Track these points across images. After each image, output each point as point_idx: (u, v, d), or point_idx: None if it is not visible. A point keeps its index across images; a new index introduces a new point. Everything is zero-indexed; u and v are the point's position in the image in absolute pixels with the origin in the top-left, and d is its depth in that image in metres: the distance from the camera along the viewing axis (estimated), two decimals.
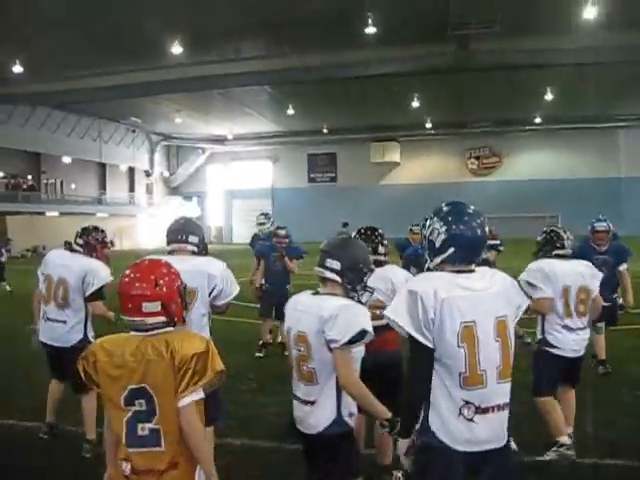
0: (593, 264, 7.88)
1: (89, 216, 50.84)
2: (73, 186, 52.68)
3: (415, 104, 44.83)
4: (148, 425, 3.06)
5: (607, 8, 24.68)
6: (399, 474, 5.20)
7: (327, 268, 3.89)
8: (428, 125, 54.34)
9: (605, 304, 8.25)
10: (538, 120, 52.21)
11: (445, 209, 3.41)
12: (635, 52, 29.43)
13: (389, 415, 3.61)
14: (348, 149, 61.81)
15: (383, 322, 3.56)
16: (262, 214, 12.13)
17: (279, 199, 64.99)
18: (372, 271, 4.07)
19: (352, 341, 3.61)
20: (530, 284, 5.73)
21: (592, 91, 41.37)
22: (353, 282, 3.91)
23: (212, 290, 4.93)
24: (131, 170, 60.97)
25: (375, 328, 3.78)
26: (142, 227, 55.89)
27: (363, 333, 3.63)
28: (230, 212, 66.74)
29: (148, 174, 63.11)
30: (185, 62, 31.99)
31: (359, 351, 3.84)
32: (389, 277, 5.09)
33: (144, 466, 3.05)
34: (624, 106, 48.69)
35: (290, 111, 47.38)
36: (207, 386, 3.11)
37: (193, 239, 5.11)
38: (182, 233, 5.12)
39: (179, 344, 3.08)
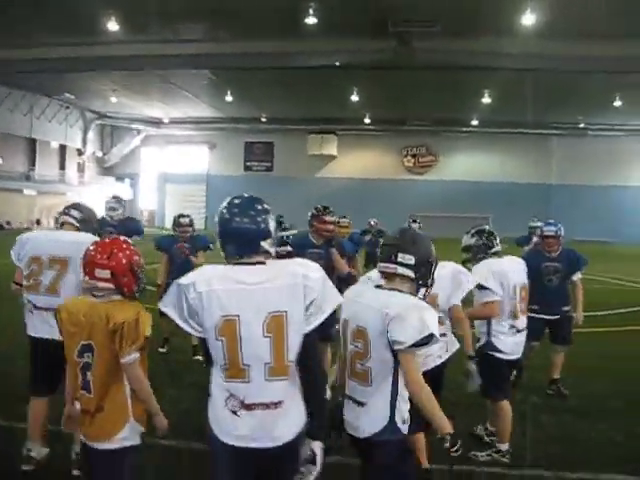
0: (542, 271, 7.56)
1: (16, 192, 49.47)
2: (0, 161, 51.03)
3: (354, 98, 44.87)
4: (89, 374, 3.68)
5: (546, 16, 25.12)
6: None
7: (399, 263, 3.70)
8: (367, 120, 54.59)
9: (551, 317, 7.77)
10: (475, 122, 53.08)
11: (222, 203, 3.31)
12: (571, 62, 30.04)
13: (450, 429, 3.34)
14: (285, 139, 61.56)
15: None
16: (114, 197, 10.22)
17: (213, 186, 64.31)
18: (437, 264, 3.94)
19: (418, 344, 3.41)
20: (482, 287, 5.45)
21: (529, 97, 41.98)
22: (424, 277, 3.78)
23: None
24: (62, 148, 59.31)
25: None
26: None
27: (430, 337, 3.43)
28: (163, 196, 65.78)
29: (80, 152, 61.62)
30: (122, 40, 31.20)
31: (421, 355, 3.87)
32: None
33: (84, 407, 3.72)
34: (559, 114, 49.76)
35: (229, 97, 46.87)
36: (140, 349, 3.68)
37: (74, 214, 5.32)
38: (68, 208, 5.41)
39: (113, 311, 3.67)
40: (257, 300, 3.03)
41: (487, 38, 28.46)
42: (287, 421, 3.07)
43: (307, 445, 3.07)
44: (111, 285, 3.76)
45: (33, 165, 55.04)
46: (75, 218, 5.31)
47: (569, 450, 5.94)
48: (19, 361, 6.69)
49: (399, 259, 3.71)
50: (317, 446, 3.08)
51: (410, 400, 3.52)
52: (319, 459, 3.08)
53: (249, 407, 3.02)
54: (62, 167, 59.41)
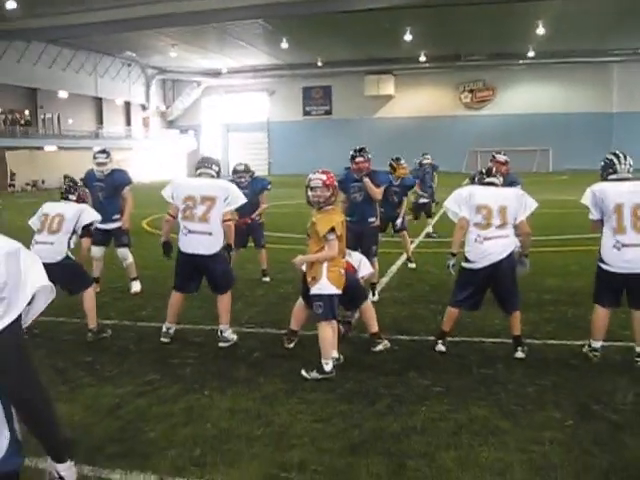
0: None
1: (87, 150, 51.56)
2: (70, 121, 53.06)
3: (408, 37, 44.99)
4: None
5: None
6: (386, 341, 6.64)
7: None
8: (422, 58, 54.55)
9: None
10: (531, 54, 52.45)
11: None
12: None
13: None
14: (343, 82, 62.06)
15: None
16: (102, 152, 9.94)
17: (274, 132, 65.58)
18: None
19: None
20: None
21: (585, 25, 41.63)
22: None
23: (226, 198, 6.87)
24: (127, 104, 61.29)
25: None
26: (138, 160, 56.26)
27: None
28: (227, 145, 67.25)
29: (144, 108, 63.47)
30: None
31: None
32: None
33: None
34: (618, 40, 48.80)
35: (284, 44, 47.59)
36: None
37: (214, 167, 7.15)
38: (208, 163, 7.18)
39: None
40: None
41: None
42: None
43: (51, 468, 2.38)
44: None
45: (101, 123, 57.13)
46: (214, 170, 7.11)
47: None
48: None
49: None
50: (63, 469, 2.35)
51: None
52: None
53: None
54: (128, 123, 61.43)
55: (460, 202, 6.48)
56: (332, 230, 5.83)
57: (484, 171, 6.80)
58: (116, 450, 4.38)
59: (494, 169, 7.06)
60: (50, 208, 7.40)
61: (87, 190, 8.52)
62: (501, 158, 9.28)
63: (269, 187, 10.62)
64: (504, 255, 6.21)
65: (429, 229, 15.34)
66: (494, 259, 6.20)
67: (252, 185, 10.30)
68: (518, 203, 6.36)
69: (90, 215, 7.52)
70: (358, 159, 8.38)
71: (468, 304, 6.44)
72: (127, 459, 4.23)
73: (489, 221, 6.26)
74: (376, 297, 8.77)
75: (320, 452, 4.26)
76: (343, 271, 5.98)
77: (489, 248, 6.22)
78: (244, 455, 4.24)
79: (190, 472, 4.05)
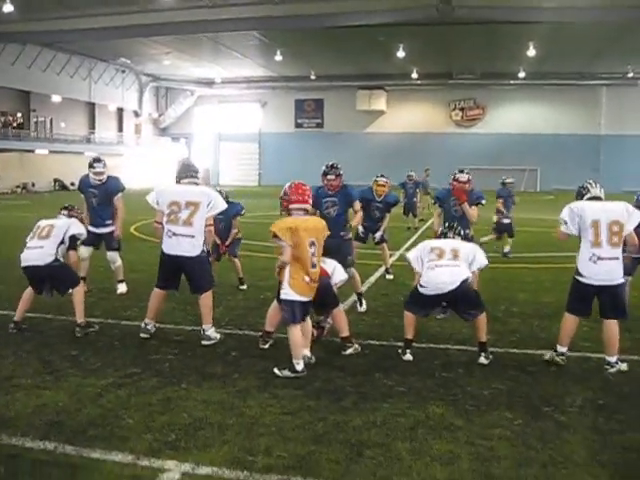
0: None
1: (78, 155, 51.79)
2: (63, 125, 53.35)
3: (401, 54, 45.39)
4: (314, 258, 6.26)
5: None
6: (357, 345, 7.01)
7: None
8: (414, 75, 55.04)
9: None
10: (522, 75, 53.13)
11: None
12: (609, 12, 30.45)
13: None
14: (335, 96, 62.59)
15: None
16: (99, 160, 10.02)
17: (266, 143, 65.95)
18: None
19: None
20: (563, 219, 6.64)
21: (575, 48, 42.32)
22: None
23: (209, 203, 7.30)
24: (120, 110, 61.57)
25: None
26: (130, 166, 56.38)
27: None
28: (218, 155, 67.60)
29: (137, 114, 63.76)
30: (175, 6, 32.78)
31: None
32: None
33: (315, 276, 6.29)
34: (607, 64, 49.65)
35: (278, 57, 47.96)
36: None
37: (198, 175, 7.70)
38: (192, 171, 7.65)
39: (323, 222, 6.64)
40: None
41: None
42: None
43: None
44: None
45: (93, 128, 57.40)
46: (198, 178, 7.65)
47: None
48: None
49: None
50: None
51: None
52: None
53: None
54: (120, 129, 61.74)
55: (418, 255, 6.99)
56: (275, 236, 6.18)
57: (447, 228, 7.56)
58: (97, 433, 4.71)
59: (456, 225, 7.74)
60: (42, 222, 7.92)
61: (83, 213, 9.08)
62: (462, 177, 9.48)
63: (242, 212, 10.84)
64: (454, 287, 6.54)
65: (507, 249, 14.90)
66: (445, 289, 6.57)
67: (226, 210, 10.60)
68: (471, 253, 6.91)
69: (78, 227, 7.98)
70: (329, 176, 8.52)
71: (420, 313, 6.88)
72: (106, 441, 4.57)
73: (441, 256, 6.78)
74: (364, 307, 9.16)
75: (285, 440, 4.61)
76: (308, 279, 6.26)
77: (440, 276, 6.61)
78: (215, 441, 4.60)
79: (165, 454, 4.38)
